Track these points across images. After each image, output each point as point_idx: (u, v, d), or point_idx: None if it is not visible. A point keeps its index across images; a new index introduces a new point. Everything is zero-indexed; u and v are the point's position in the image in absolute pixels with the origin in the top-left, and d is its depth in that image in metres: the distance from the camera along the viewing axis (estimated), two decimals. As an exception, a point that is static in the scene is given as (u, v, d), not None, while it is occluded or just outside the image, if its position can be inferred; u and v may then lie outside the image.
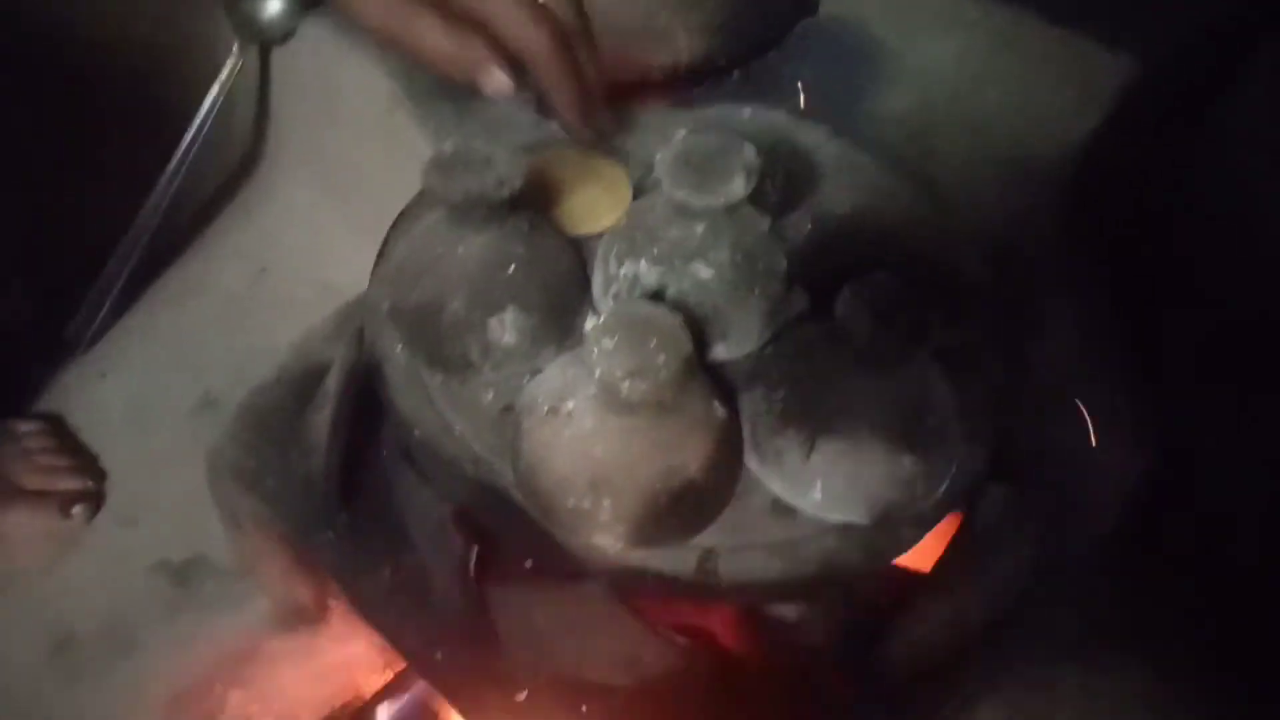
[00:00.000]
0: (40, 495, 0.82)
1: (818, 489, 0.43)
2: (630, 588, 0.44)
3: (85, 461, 0.86)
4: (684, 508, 0.42)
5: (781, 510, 0.45)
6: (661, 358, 0.39)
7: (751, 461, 0.45)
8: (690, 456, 0.42)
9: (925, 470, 0.44)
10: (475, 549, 0.48)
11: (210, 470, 0.58)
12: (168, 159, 0.89)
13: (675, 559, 0.43)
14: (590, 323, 0.47)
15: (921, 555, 0.50)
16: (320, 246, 0.95)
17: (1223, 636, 0.62)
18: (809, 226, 0.53)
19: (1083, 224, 0.69)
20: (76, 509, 0.82)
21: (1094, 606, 0.59)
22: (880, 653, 0.49)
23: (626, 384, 0.39)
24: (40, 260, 0.86)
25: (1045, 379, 0.58)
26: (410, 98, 0.83)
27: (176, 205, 0.90)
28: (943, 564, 0.51)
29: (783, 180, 0.55)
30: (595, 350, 0.39)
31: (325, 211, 0.97)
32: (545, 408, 0.42)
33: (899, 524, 0.45)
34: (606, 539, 0.42)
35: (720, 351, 0.47)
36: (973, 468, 0.46)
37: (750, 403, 0.45)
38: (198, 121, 0.89)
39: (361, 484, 0.53)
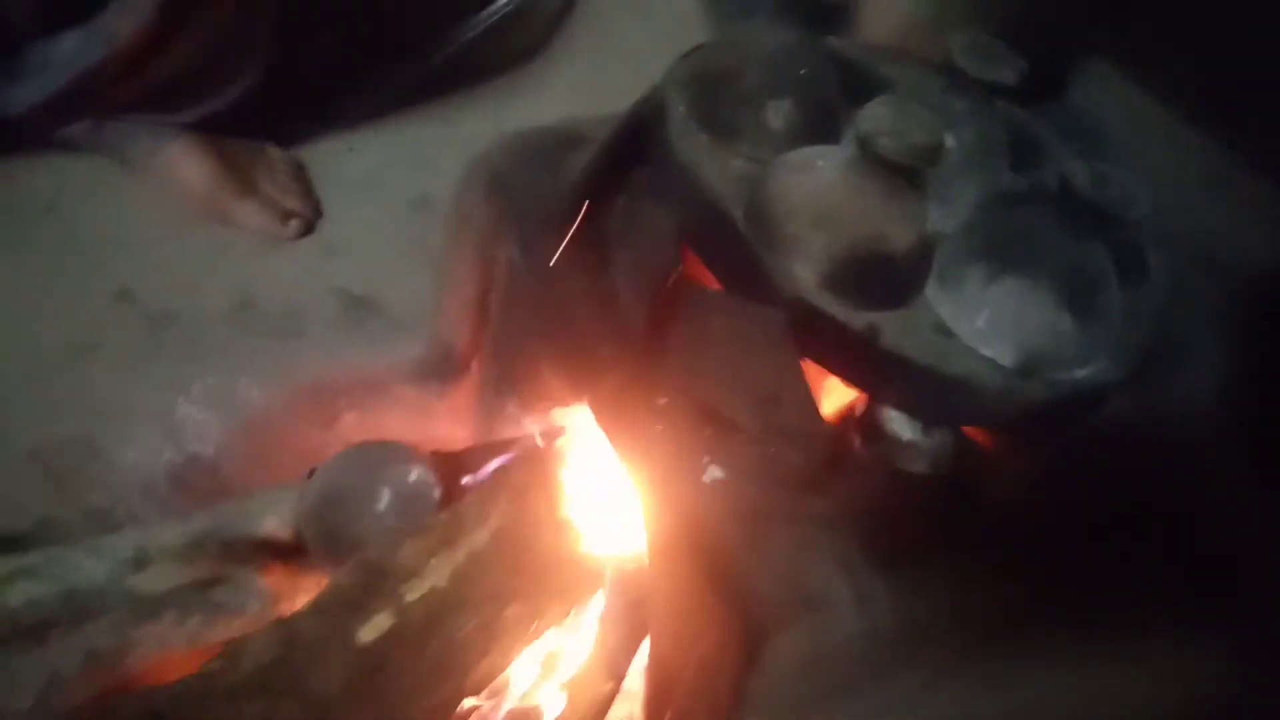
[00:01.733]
0: (269, 200, 0.94)
1: (982, 318, 0.50)
2: (805, 326, 0.51)
3: (309, 194, 0.99)
4: (877, 274, 0.50)
5: (943, 332, 0.52)
6: (918, 131, 0.47)
7: (932, 284, 0.52)
8: (901, 237, 0.50)
9: (1079, 339, 0.50)
10: (677, 270, 0.55)
11: (468, 173, 0.68)
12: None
13: (849, 315, 0.50)
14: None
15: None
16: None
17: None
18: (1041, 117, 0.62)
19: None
20: (293, 223, 0.95)
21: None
22: (970, 499, 0.54)
23: (883, 140, 0.47)
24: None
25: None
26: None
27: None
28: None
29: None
30: (864, 114, 0.48)
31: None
32: (798, 162, 0.51)
33: (1034, 381, 0.51)
34: (807, 270, 0.49)
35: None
36: (1114, 371, 0.52)
37: (945, 225, 0.53)
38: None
39: (600, 207, 0.62)
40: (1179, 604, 0.58)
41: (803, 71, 0.56)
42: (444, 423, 0.86)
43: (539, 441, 0.68)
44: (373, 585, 0.55)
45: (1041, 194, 0.51)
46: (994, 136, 0.56)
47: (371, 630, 0.52)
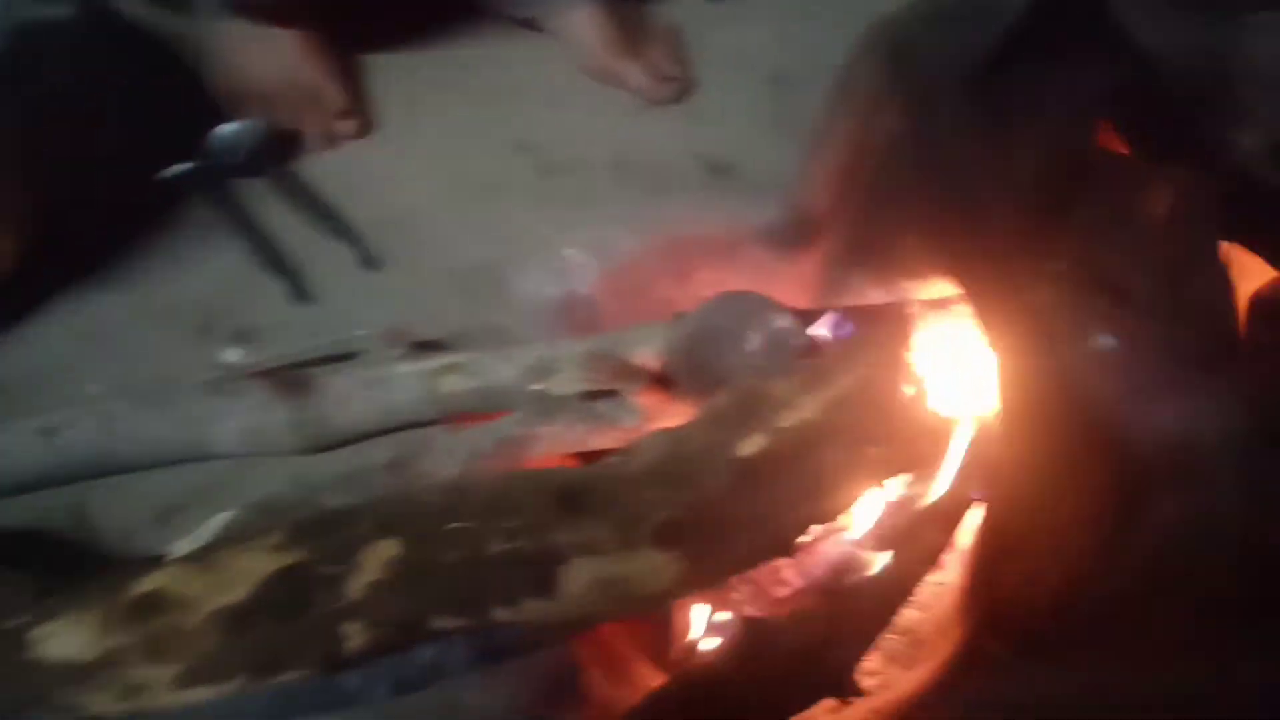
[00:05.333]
0: (652, 65, 1.01)
1: None
2: (1241, 200, 0.49)
3: (685, 69, 1.04)
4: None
5: None
6: None
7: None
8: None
9: None
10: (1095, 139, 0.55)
11: (872, 34, 0.69)
12: None
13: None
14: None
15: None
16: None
17: None
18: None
19: None
20: (670, 87, 1.01)
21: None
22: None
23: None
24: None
25: None
26: None
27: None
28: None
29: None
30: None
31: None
32: (1260, 21, 0.48)
33: None
34: (1257, 139, 0.47)
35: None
36: None
37: None
38: None
39: (1011, 69, 0.61)
40: None
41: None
42: (789, 287, 0.91)
43: (901, 306, 0.71)
44: (750, 409, 0.60)
45: None
46: None
47: (749, 446, 0.58)
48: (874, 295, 0.76)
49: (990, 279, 0.59)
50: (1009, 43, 0.60)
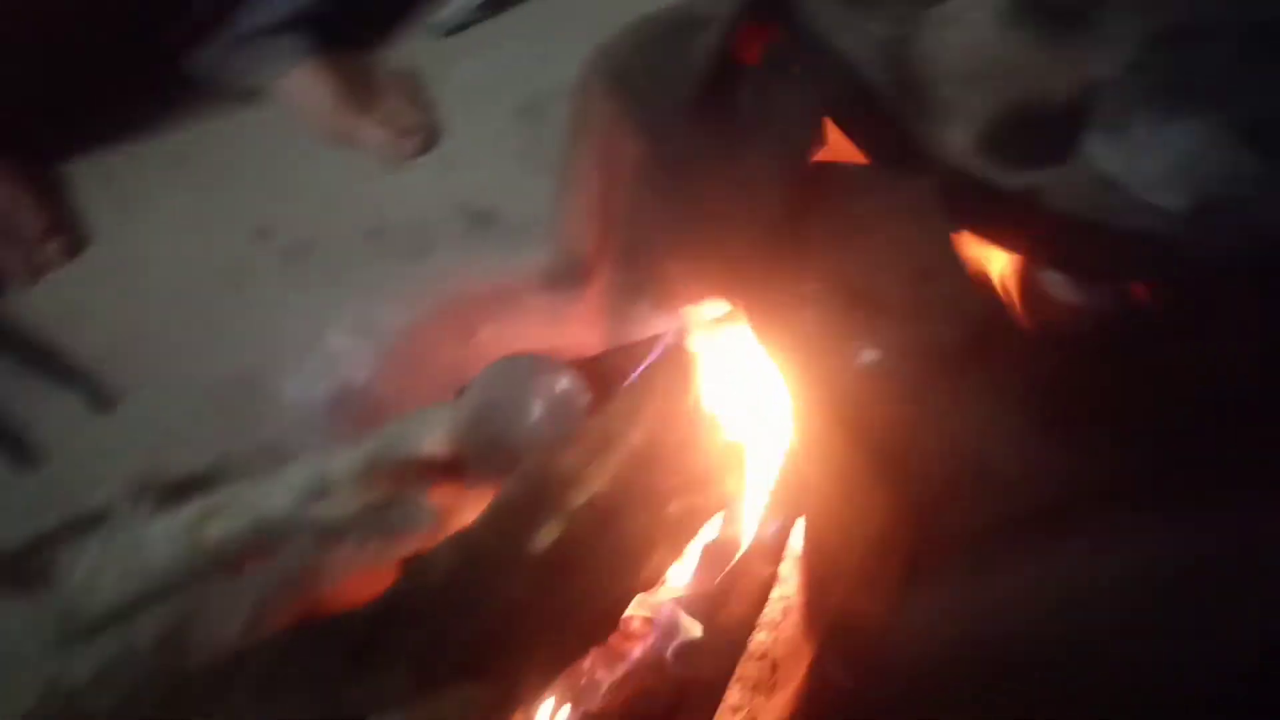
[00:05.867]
0: (389, 117, 0.95)
1: (1153, 164, 0.46)
2: (960, 193, 0.48)
3: (427, 115, 0.98)
4: (1036, 130, 0.46)
5: (1108, 183, 0.48)
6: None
7: (1094, 134, 0.48)
8: (1061, 87, 0.46)
9: (1264, 177, 0.46)
10: (820, 146, 0.53)
11: (592, 66, 0.66)
12: None
13: (1007, 178, 0.47)
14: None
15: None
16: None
17: None
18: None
19: None
20: (413, 139, 0.95)
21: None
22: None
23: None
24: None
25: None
26: None
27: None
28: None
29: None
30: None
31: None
32: (946, 18, 0.47)
33: (1214, 231, 0.47)
34: (963, 134, 0.46)
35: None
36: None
37: (1108, 68, 0.48)
38: None
39: (733, 92, 0.59)
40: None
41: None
42: (577, 328, 0.87)
43: (676, 339, 0.68)
44: (540, 494, 0.56)
45: (1218, 25, 0.46)
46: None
47: (545, 537, 0.54)
48: (659, 323, 0.73)
49: (755, 299, 0.57)
50: (719, 60, 0.58)
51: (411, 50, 1.03)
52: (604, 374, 0.69)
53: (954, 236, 0.49)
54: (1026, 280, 0.51)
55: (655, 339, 0.70)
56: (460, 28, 1.04)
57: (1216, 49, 0.46)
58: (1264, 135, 0.45)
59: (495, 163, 0.94)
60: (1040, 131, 0.46)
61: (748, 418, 0.66)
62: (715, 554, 0.63)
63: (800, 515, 0.63)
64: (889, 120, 0.49)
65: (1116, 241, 0.47)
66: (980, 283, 0.50)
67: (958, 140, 0.46)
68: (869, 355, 0.51)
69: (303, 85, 0.94)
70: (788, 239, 0.54)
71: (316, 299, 0.83)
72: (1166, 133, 0.46)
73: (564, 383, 0.65)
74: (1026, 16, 0.44)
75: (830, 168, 0.52)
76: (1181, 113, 0.46)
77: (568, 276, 0.86)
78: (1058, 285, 0.51)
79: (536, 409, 0.65)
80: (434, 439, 0.68)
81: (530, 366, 0.67)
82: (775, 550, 0.63)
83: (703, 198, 0.60)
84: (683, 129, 0.60)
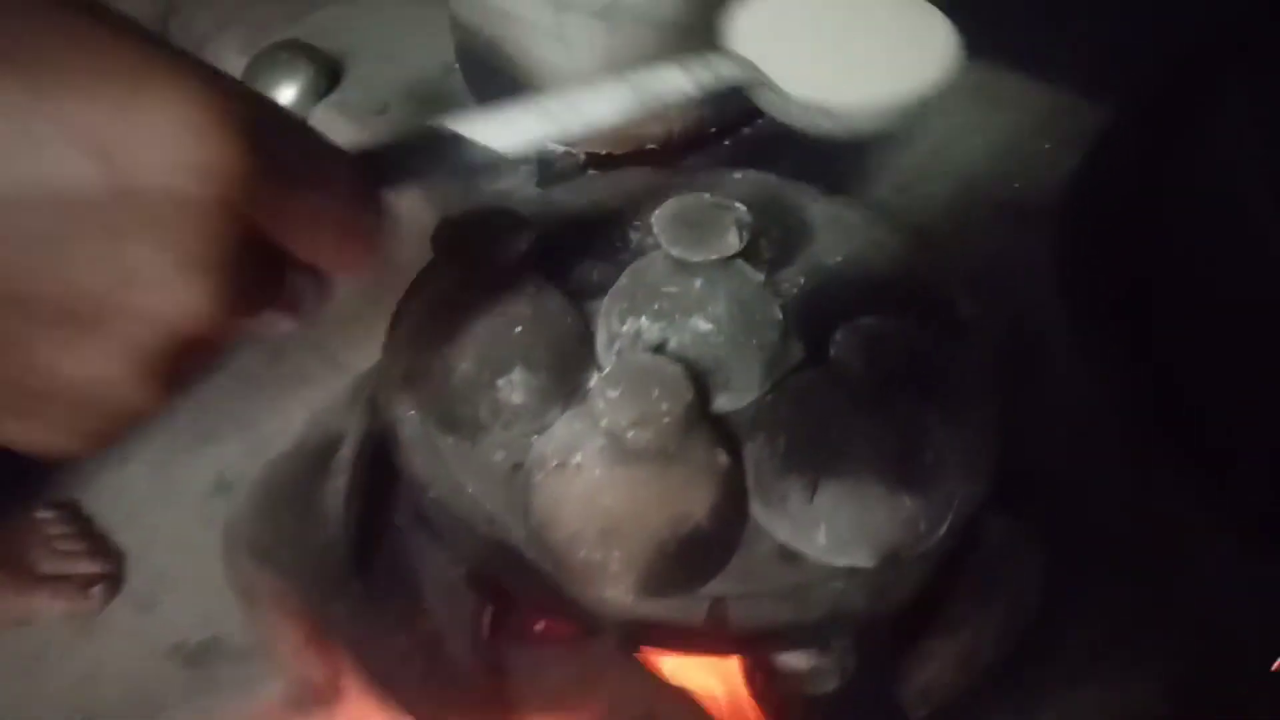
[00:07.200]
0: (60, 579, 0.83)
1: (822, 533, 0.44)
2: (642, 641, 0.44)
3: (103, 545, 0.87)
4: (692, 555, 0.43)
5: (788, 556, 0.45)
6: (664, 406, 0.40)
7: (756, 508, 0.46)
8: (696, 504, 0.43)
9: (926, 508, 0.44)
10: (489, 610, 0.48)
11: (226, 545, 0.59)
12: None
13: (685, 608, 0.43)
14: (595, 379, 0.48)
15: (928, 594, 0.50)
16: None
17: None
18: (802, 279, 0.55)
19: (1074, 256, 0.71)
20: (95, 590, 0.83)
21: (1111, 619, 0.60)
22: (893, 697, 0.49)
23: (631, 433, 0.40)
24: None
25: (1043, 408, 0.59)
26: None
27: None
28: (950, 601, 0.51)
29: (776, 236, 0.56)
30: (600, 402, 0.41)
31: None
32: (554, 462, 0.44)
33: (904, 564, 0.45)
34: (618, 590, 0.42)
35: (722, 402, 0.48)
36: (973, 502, 0.47)
37: (753, 450, 0.46)
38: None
39: (377, 551, 0.54)
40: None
41: (517, 330, 0.48)
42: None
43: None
44: None
45: (825, 377, 0.45)
46: (750, 304, 0.48)
47: None
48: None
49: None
50: (356, 526, 0.52)
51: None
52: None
53: (663, 678, 0.45)
54: (754, 667, 0.48)
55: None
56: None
57: (827, 400, 0.44)
58: (908, 466, 0.44)
59: (195, 585, 0.83)
60: (700, 549, 0.43)
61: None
62: None
63: None
64: (544, 581, 0.44)
65: (821, 617, 0.45)
66: (703, 707, 0.46)
67: (619, 597, 0.42)
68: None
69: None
70: (493, 704, 0.49)
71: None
72: (820, 502, 0.44)
73: None
74: (635, 455, 0.41)
75: (509, 646, 0.47)
76: (826, 478, 0.44)
77: (315, 699, 0.77)
78: (789, 658, 0.48)
79: None
80: None
81: None
82: None
83: (396, 671, 0.54)
84: (341, 596, 0.54)
